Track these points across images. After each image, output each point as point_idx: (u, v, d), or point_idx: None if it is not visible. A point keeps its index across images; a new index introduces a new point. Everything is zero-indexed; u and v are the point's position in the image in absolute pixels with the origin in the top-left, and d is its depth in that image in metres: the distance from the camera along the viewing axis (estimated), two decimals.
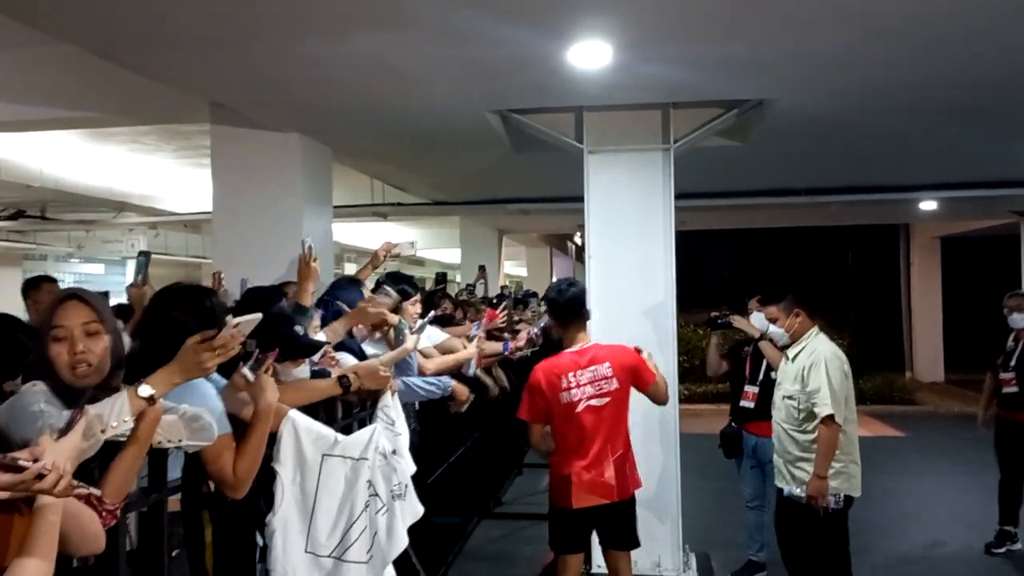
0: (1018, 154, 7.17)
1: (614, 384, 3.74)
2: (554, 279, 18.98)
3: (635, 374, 3.81)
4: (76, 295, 2.12)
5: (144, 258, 3.87)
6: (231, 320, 2.17)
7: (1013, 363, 5.70)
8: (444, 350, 4.76)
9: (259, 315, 2.21)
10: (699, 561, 5.24)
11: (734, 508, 5.34)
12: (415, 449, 4.70)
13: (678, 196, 5.20)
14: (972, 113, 5.50)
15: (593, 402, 3.70)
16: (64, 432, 1.66)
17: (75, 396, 2.01)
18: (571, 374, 3.72)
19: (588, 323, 3.92)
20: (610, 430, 3.73)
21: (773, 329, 4.44)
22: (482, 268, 10.33)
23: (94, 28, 3.75)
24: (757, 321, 4.91)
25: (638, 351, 3.88)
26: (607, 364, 3.74)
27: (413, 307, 4.41)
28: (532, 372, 3.86)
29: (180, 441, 2.07)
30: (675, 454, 5.05)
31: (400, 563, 3.72)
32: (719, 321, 5.29)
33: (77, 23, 3.71)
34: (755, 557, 5.18)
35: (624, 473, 3.76)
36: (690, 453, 5.27)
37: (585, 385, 3.71)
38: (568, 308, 3.86)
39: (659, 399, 3.95)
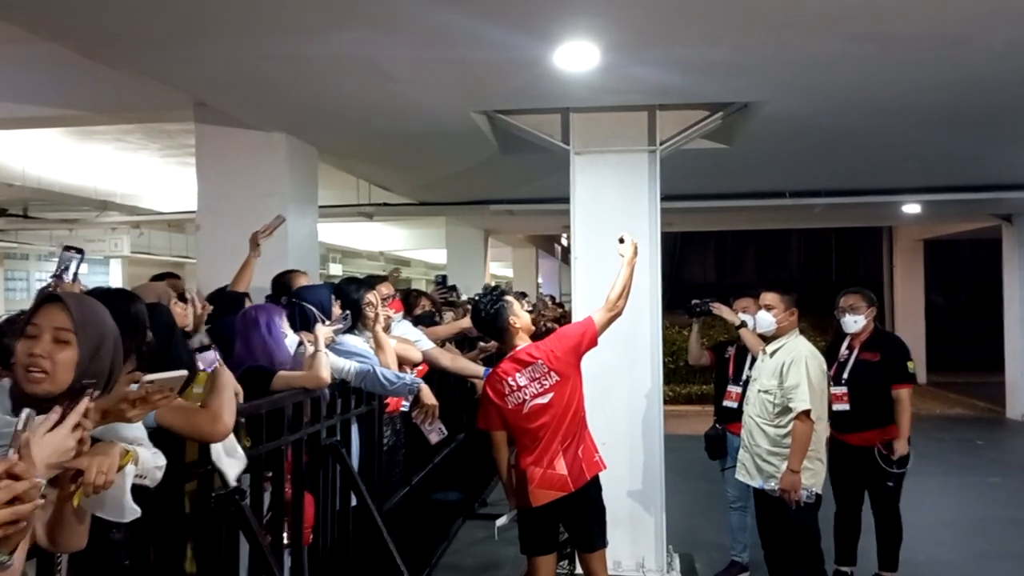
0: (1000, 158, 7.24)
1: (554, 378, 3.70)
2: (540, 280, 19.03)
3: (576, 351, 3.76)
4: (58, 298, 2.00)
5: (76, 254, 3.33)
6: (145, 377, 1.98)
7: (846, 376, 4.82)
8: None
9: (184, 372, 2.09)
10: (683, 562, 5.25)
11: (718, 509, 5.37)
12: (399, 452, 4.74)
13: (664, 198, 5.22)
14: (955, 117, 5.55)
15: (538, 400, 3.69)
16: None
17: (25, 400, 1.87)
18: (510, 378, 3.73)
19: (518, 327, 3.86)
20: (560, 423, 3.70)
21: (762, 315, 4.45)
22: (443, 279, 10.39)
23: (78, 26, 3.73)
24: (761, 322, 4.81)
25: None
26: (540, 362, 3.72)
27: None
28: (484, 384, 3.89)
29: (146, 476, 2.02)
30: (659, 455, 5.07)
31: (384, 563, 3.74)
32: (699, 308, 5.29)
33: (61, 21, 3.68)
34: (738, 558, 5.20)
35: (576, 459, 3.70)
36: (674, 454, 5.29)
37: (526, 386, 3.71)
38: (490, 327, 3.91)
39: (613, 318, 3.83)
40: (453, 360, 5.06)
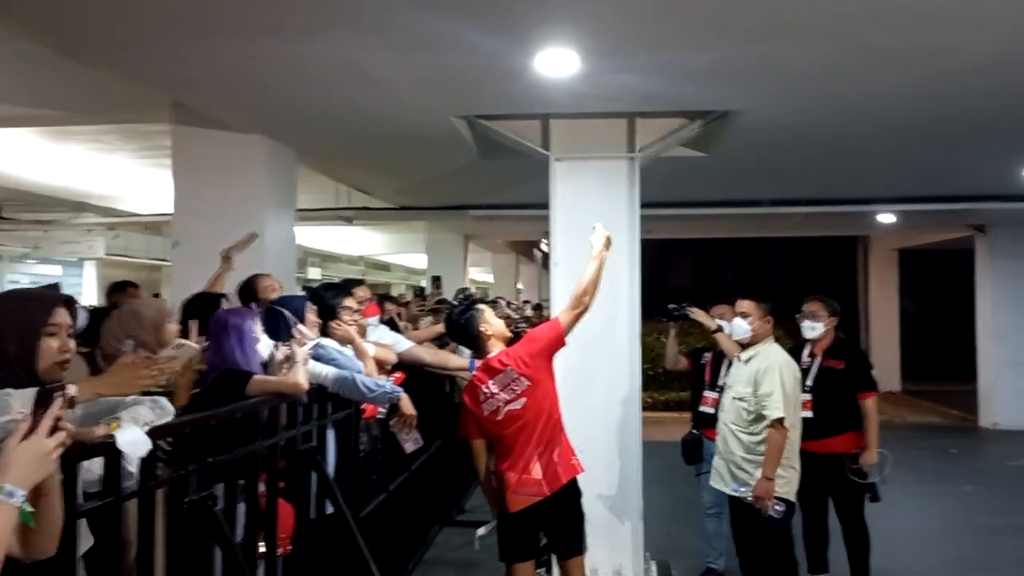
0: (975, 169, 7.32)
1: (524, 383, 3.70)
2: (520, 286, 19.03)
3: (545, 354, 3.76)
4: (74, 301, 2.29)
5: None
6: (175, 343, 2.30)
7: (810, 383, 4.72)
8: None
9: (197, 347, 2.34)
10: (660, 568, 5.25)
11: (696, 516, 5.38)
12: (376, 458, 4.70)
13: (643, 205, 5.23)
14: (932, 128, 5.61)
15: (511, 407, 3.69)
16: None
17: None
18: (483, 386, 3.73)
19: (490, 334, 3.86)
20: (534, 428, 3.70)
21: (737, 322, 4.47)
22: (437, 279, 10.38)
23: (53, 24, 3.68)
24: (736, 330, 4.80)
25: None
26: (510, 368, 3.72)
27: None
28: None
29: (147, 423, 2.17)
30: (637, 461, 5.07)
31: (359, 571, 3.70)
32: (676, 312, 5.31)
33: (35, 19, 3.63)
34: (714, 564, 5.21)
35: (551, 463, 3.69)
36: (652, 460, 5.29)
37: (499, 393, 3.70)
38: (462, 335, 3.95)
39: (580, 315, 3.80)
40: (435, 355, 5.03)
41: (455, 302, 4.46)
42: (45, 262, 14.21)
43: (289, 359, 3.34)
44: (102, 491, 2.23)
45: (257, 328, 3.39)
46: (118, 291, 5.70)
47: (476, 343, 3.91)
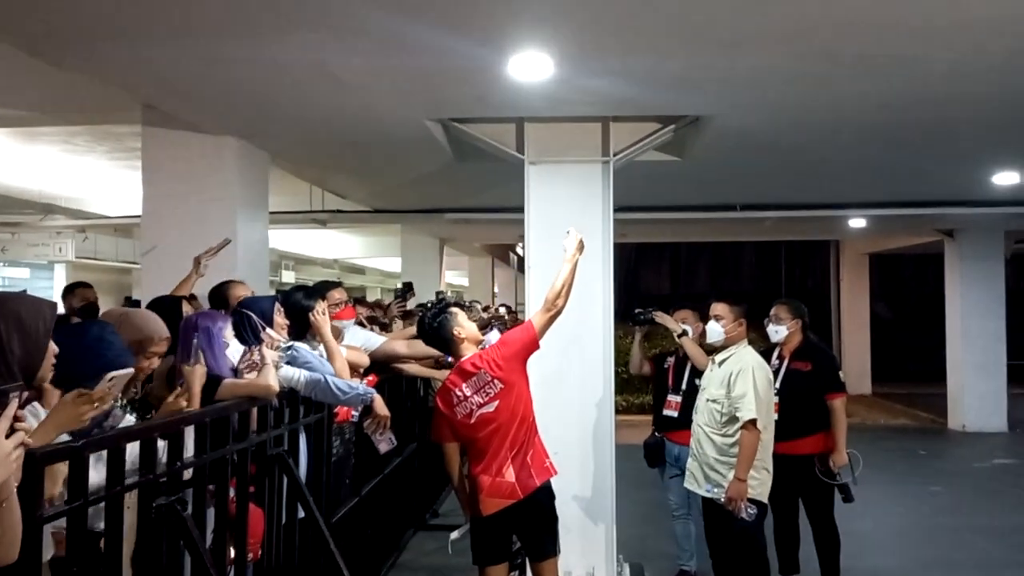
0: (943, 175, 7.44)
1: (497, 386, 3.70)
2: (496, 289, 19.02)
3: (519, 357, 3.77)
4: None
5: None
6: (107, 375, 2.30)
7: (778, 385, 4.72)
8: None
9: (131, 370, 2.38)
10: (633, 571, 5.27)
11: (669, 518, 5.40)
12: (348, 462, 4.68)
13: (618, 209, 5.26)
14: (900, 134, 5.69)
15: (484, 410, 3.69)
16: None
17: None
18: (457, 390, 3.73)
19: (463, 337, 3.87)
20: (507, 431, 3.70)
21: (711, 325, 4.49)
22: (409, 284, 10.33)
23: (18, 22, 3.63)
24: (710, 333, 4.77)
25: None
26: (483, 371, 3.73)
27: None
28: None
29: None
30: (610, 464, 5.08)
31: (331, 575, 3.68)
32: (642, 317, 5.35)
33: (1, 16, 3.58)
34: (686, 566, 5.24)
35: (525, 466, 3.69)
36: (626, 463, 5.31)
37: (472, 396, 3.71)
38: (435, 338, 3.93)
39: (553, 318, 3.80)
40: (410, 345, 4.98)
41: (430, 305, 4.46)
42: (13, 265, 13.98)
43: (254, 366, 3.30)
44: (68, 496, 2.20)
45: (228, 332, 3.36)
46: (69, 293, 5.66)
47: (448, 346, 3.91)
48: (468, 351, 3.83)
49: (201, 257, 4.64)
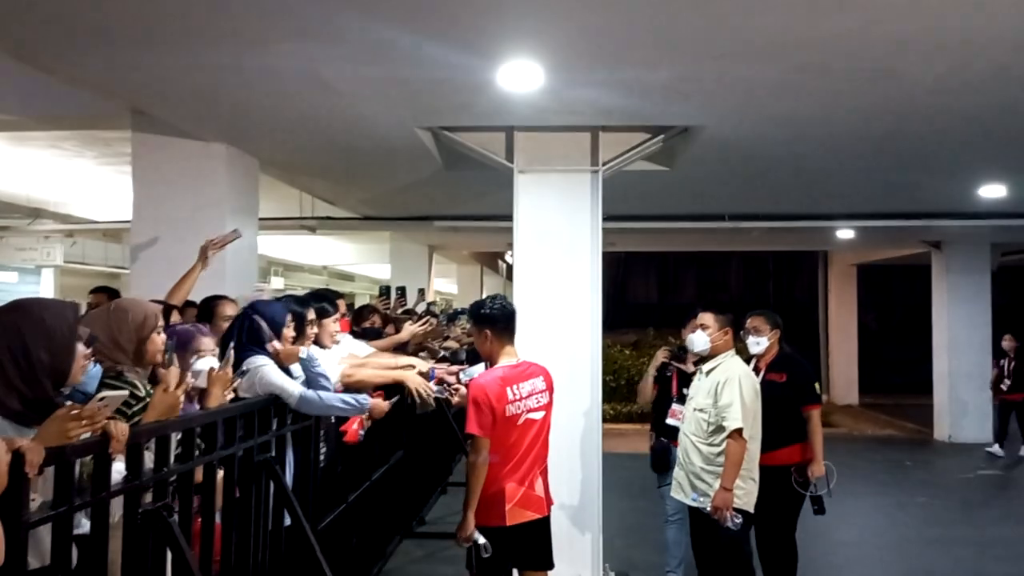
0: (929, 186, 7.49)
1: (547, 398, 3.79)
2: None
3: (553, 391, 3.89)
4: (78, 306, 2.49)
5: None
6: (98, 395, 2.32)
7: None
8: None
9: (125, 392, 2.44)
10: None
11: (655, 527, 5.41)
12: (335, 468, 4.66)
13: (606, 218, 5.29)
14: (887, 146, 5.74)
15: (532, 415, 3.71)
16: None
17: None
18: (514, 387, 3.69)
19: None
20: (541, 444, 3.77)
21: (697, 335, 4.50)
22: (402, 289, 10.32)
23: (8, 28, 3.62)
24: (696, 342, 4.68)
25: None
26: (540, 378, 3.79)
27: (333, 324, 4.33)
28: (473, 387, 3.70)
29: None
30: (597, 473, 5.09)
31: None
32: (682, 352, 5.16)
33: None
34: (673, 573, 5.24)
35: (547, 483, 3.81)
36: (613, 472, 5.32)
37: (527, 398, 3.71)
38: (508, 324, 3.84)
39: None
40: (363, 366, 4.44)
41: (418, 309, 4.44)
42: (1, 269, 13.91)
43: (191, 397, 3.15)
44: (54, 502, 2.19)
45: (205, 342, 3.33)
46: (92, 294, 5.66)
47: (513, 336, 3.88)
48: (509, 355, 3.81)
49: (208, 247, 4.54)
